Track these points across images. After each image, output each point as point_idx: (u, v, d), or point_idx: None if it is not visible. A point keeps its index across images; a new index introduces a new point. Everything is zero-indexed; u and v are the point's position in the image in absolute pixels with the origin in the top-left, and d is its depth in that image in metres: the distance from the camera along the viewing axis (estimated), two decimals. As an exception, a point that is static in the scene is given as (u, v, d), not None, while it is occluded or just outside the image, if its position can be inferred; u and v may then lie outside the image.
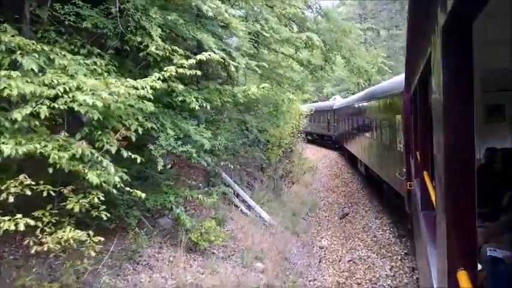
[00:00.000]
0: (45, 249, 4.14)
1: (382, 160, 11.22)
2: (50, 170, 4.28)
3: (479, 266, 2.81)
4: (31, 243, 4.19)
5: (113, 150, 4.81)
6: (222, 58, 6.64)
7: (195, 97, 6.52)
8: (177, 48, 6.00)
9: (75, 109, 4.44)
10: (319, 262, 9.23)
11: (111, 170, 4.59)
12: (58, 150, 4.32)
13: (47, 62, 4.91)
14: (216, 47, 6.74)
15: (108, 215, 4.72)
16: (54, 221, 4.39)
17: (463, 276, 1.80)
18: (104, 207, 4.62)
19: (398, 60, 32.11)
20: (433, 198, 3.37)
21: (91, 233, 4.51)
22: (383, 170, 11.14)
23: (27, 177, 4.07)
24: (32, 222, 4.02)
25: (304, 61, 12.94)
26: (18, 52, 4.58)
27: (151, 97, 5.12)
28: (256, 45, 11.31)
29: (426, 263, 3.58)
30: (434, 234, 2.88)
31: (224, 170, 10.10)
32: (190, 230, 7.18)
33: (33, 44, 4.74)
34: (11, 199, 3.99)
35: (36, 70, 4.52)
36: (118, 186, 4.69)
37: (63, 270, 4.93)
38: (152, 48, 5.76)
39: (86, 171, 4.41)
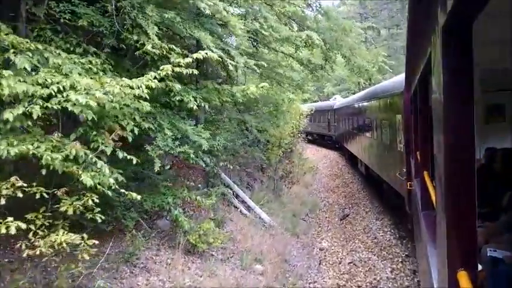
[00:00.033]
0: (38, 253, 4.06)
1: (382, 160, 11.14)
2: (43, 172, 4.22)
3: (480, 266, 2.80)
4: (23, 247, 4.11)
5: (108, 151, 4.74)
6: (219, 57, 6.55)
7: (193, 97, 6.45)
8: (173, 46, 5.92)
9: (69, 109, 4.36)
10: (319, 264, 9.13)
11: (105, 172, 4.51)
12: (51, 151, 4.24)
13: (41, 60, 4.83)
14: (214, 45, 6.65)
15: (103, 217, 4.64)
16: (47, 224, 4.31)
17: (463, 277, 1.81)
18: (99, 209, 4.54)
19: (398, 59, 32.05)
20: (433, 198, 3.37)
21: (85, 236, 4.43)
22: (383, 170, 11.06)
23: (18, 179, 3.99)
24: (23, 226, 3.95)
25: (304, 60, 12.86)
26: (11, 51, 4.50)
27: (147, 96, 5.05)
28: (255, 44, 11.23)
29: (426, 263, 3.60)
30: (434, 234, 2.90)
31: (223, 171, 10.02)
32: (188, 232, 7.08)
33: (27, 42, 4.66)
34: (3, 201, 3.92)
35: (29, 69, 4.44)
36: (113, 187, 4.61)
37: (57, 273, 4.84)
38: (148, 47, 5.70)
39: (80, 172, 4.33)
